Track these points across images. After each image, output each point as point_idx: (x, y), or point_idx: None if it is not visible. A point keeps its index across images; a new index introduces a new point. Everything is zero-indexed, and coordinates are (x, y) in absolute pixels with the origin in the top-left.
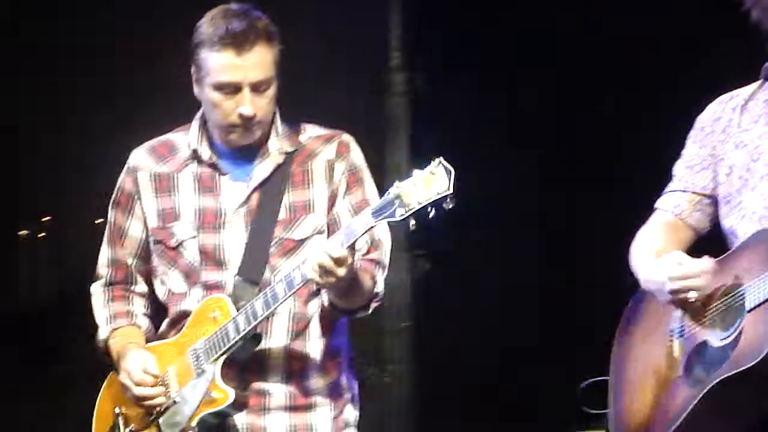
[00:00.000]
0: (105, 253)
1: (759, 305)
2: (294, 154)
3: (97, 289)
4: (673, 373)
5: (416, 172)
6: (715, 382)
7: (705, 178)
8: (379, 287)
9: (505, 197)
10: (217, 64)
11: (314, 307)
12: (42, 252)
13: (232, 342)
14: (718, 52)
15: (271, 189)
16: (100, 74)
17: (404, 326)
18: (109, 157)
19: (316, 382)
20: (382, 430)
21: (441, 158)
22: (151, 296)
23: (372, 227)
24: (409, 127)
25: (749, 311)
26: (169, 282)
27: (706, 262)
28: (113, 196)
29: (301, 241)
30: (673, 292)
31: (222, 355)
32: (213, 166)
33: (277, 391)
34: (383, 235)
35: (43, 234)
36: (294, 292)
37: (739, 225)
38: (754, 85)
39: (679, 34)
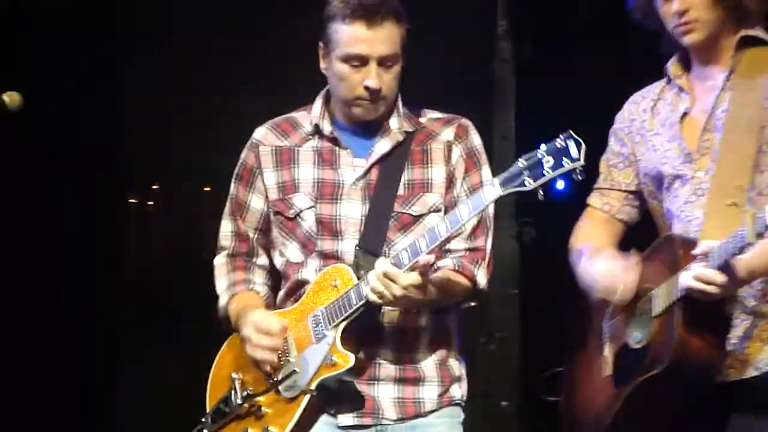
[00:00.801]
0: (228, 226)
1: (664, 311)
2: (414, 134)
3: (219, 261)
4: (604, 370)
5: (543, 145)
6: (631, 386)
7: (628, 175)
8: (480, 284)
9: None
10: (348, 35)
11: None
12: (152, 220)
13: (355, 308)
14: None
15: (391, 165)
16: (214, 51)
17: (511, 293)
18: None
19: (426, 357)
20: (489, 398)
21: (570, 131)
22: (272, 269)
23: (499, 197)
24: (515, 94)
25: (656, 317)
26: (287, 252)
27: (628, 269)
28: (236, 170)
29: (418, 217)
30: (601, 291)
31: (344, 320)
32: (334, 140)
33: (388, 362)
34: (487, 216)
35: (151, 203)
36: (416, 260)
37: (663, 225)
38: (662, 83)
39: None
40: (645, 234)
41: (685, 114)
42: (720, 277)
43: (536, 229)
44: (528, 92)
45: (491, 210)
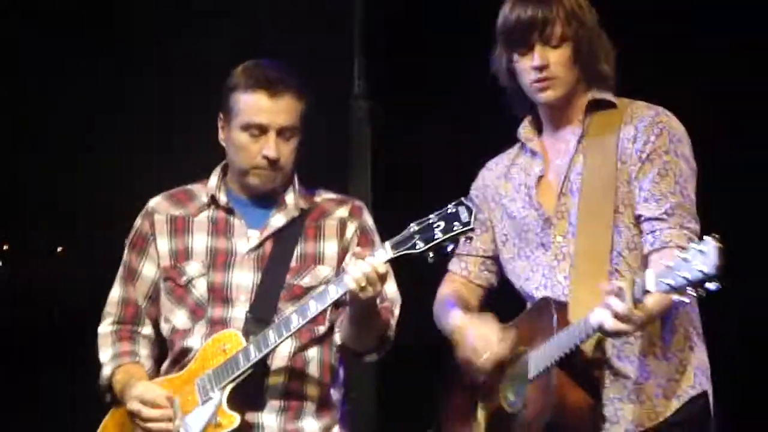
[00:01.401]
0: (116, 292)
1: (539, 374)
2: (308, 211)
3: (104, 330)
4: None
5: (435, 212)
6: None
7: (485, 241)
8: (391, 331)
9: None
10: (249, 104)
11: (314, 352)
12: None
13: (242, 369)
14: None
15: (285, 238)
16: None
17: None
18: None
19: (309, 423)
20: None
21: (463, 198)
22: (156, 341)
23: (391, 259)
24: (370, 154)
25: (531, 381)
26: (174, 319)
27: (495, 333)
28: (129, 237)
29: (308, 289)
30: (465, 360)
31: (230, 382)
32: (229, 210)
33: (271, 425)
34: (394, 293)
35: None
36: (306, 323)
37: (522, 288)
38: (515, 149)
39: None
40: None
41: (540, 178)
42: (633, 315)
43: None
44: (384, 152)
45: (394, 288)
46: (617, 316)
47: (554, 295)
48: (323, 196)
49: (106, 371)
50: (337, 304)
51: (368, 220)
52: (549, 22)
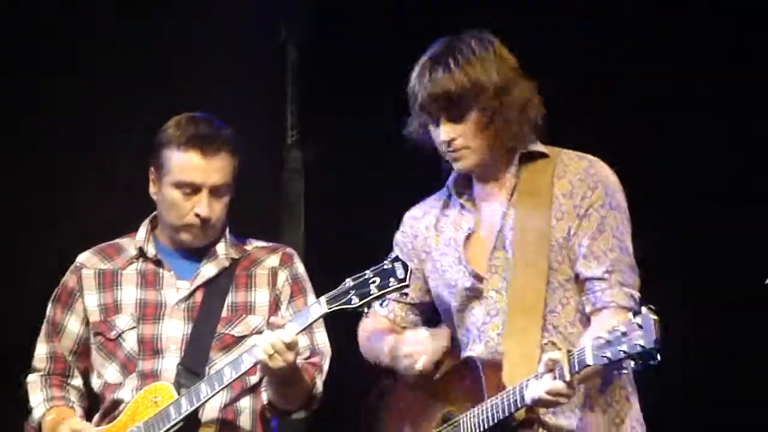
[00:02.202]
0: (43, 348)
1: None
2: (239, 260)
3: (34, 378)
4: None
5: (371, 267)
6: None
7: (414, 289)
8: (318, 389)
9: None
10: (181, 163)
11: (246, 402)
12: None
13: (173, 422)
14: None
15: (215, 289)
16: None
17: None
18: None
19: None
20: None
21: (397, 254)
22: (86, 394)
23: (325, 314)
24: (303, 204)
25: None
26: (105, 373)
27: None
28: (55, 292)
29: (240, 338)
30: (406, 355)
31: None
32: (158, 262)
33: None
34: (324, 345)
35: None
36: (240, 376)
37: (458, 338)
38: (443, 198)
39: None
40: None
41: (470, 234)
42: (569, 390)
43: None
44: (317, 202)
45: (325, 339)
46: (552, 392)
47: (487, 351)
48: (254, 245)
49: (38, 412)
50: None
51: (299, 268)
52: (451, 98)
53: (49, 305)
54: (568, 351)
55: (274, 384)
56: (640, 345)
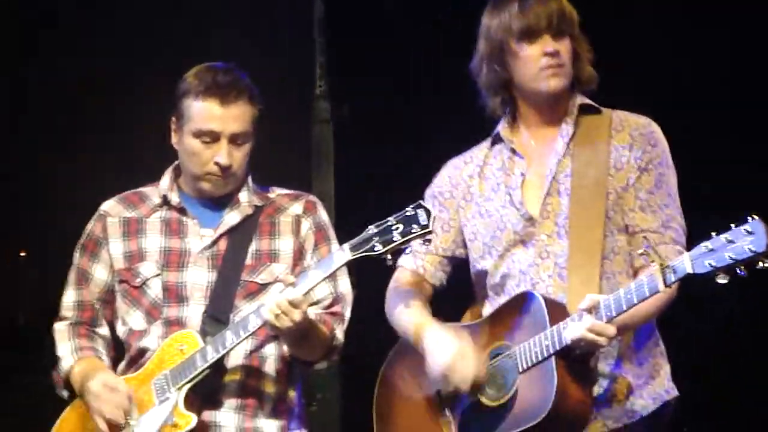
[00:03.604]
0: (70, 296)
1: (531, 367)
2: (262, 207)
3: (61, 327)
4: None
5: (394, 214)
6: None
7: (446, 240)
8: (338, 340)
9: None
10: (200, 111)
11: (271, 349)
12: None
13: (200, 370)
14: None
15: (239, 236)
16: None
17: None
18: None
19: (268, 423)
20: None
21: (420, 201)
22: (112, 342)
23: (349, 261)
24: (332, 154)
25: (522, 372)
26: (130, 321)
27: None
28: (81, 240)
29: (264, 286)
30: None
31: (188, 382)
32: (182, 210)
33: (228, 424)
34: (347, 291)
35: None
36: (262, 326)
37: (493, 285)
38: (484, 149)
39: None
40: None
41: (523, 178)
42: (611, 330)
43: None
44: (347, 153)
45: (348, 286)
46: (594, 330)
47: (538, 291)
48: (277, 193)
49: (66, 363)
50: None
51: (323, 215)
52: (559, 14)
53: (76, 253)
54: (661, 263)
55: (287, 341)
56: (750, 249)
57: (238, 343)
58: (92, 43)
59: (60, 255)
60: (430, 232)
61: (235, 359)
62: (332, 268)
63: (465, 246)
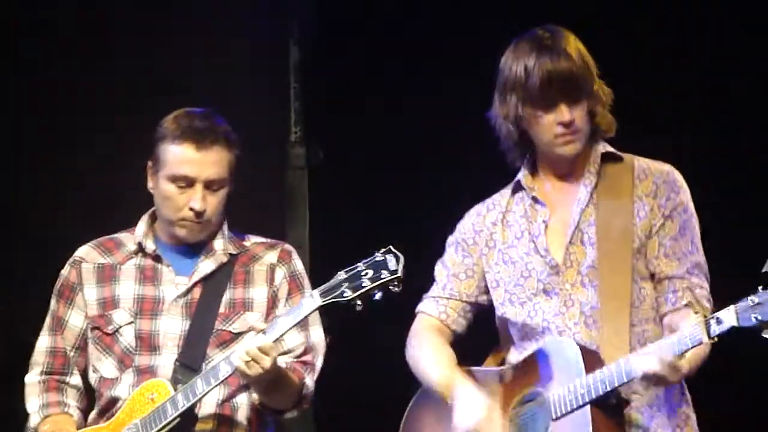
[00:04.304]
0: (44, 341)
1: (565, 414)
2: (237, 256)
3: (32, 379)
4: None
5: (363, 260)
6: None
7: (470, 286)
8: (308, 388)
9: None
10: (176, 156)
11: (243, 398)
12: None
13: (170, 418)
14: None
15: (214, 284)
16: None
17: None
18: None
19: None
20: None
21: (390, 246)
22: (85, 391)
23: (318, 308)
24: (307, 200)
25: (555, 420)
26: (101, 368)
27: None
28: (57, 286)
29: (237, 335)
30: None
31: (159, 431)
32: (157, 258)
33: None
34: (319, 340)
35: None
36: (232, 374)
37: (516, 333)
38: (506, 195)
39: None
40: None
41: (545, 226)
42: (684, 366)
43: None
44: (322, 200)
45: (320, 335)
46: (666, 363)
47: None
48: (252, 241)
49: (34, 420)
50: None
51: (298, 265)
52: (575, 77)
53: (53, 299)
54: (704, 315)
55: (257, 388)
56: None
57: (209, 391)
58: (70, 86)
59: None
60: (399, 278)
61: (207, 408)
62: (302, 314)
63: (487, 292)
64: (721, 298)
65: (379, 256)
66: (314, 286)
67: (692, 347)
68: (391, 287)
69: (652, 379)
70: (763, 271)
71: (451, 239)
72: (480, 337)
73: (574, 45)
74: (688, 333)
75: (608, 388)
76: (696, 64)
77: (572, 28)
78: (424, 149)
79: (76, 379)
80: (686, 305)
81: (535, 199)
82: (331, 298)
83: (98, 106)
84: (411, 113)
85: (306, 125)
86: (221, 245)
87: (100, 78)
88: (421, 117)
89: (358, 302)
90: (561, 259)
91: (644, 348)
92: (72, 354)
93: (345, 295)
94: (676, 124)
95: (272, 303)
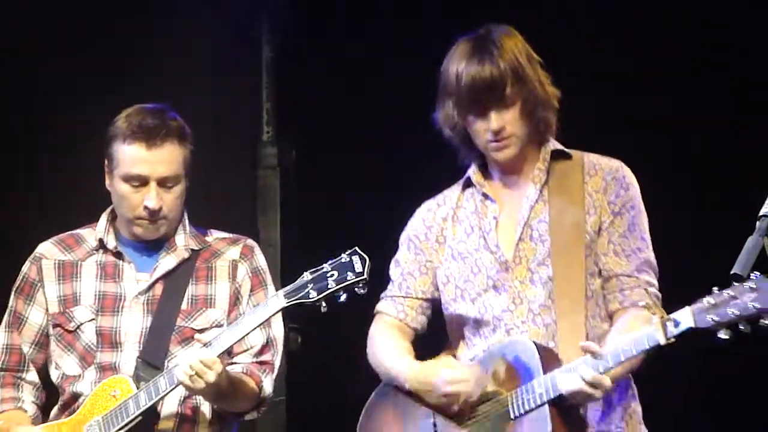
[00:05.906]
0: (1, 339)
1: (524, 414)
2: (199, 251)
3: None
4: None
5: (329, 261)
6: None
7: (425, 283)
8: (266, 391)
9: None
10: (127, 156)
11: None
12: None
13: (132, 417)
14: None
15: (175, 281)
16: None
17: (277, 400)
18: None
19: None
20: None
21: (356, 247)
22: (42, 386)
23: (283, 308)
24: (279, 199)
25: (514, 419)
26: (63, 365)
27: (473, 369)
28: (17, 283)
29: (199, 331)
30: (447, 394)
31: (120, 429)
32: (118, 254)
33: None
34: (279, 332)
35: None
36: (175, 387)
37: (467, 330)
38: (457, 191)
39: None
40: None
41: (496, 222)
42: (608, 382)
43: (302, 335)
44: (293, 199)
45: (281, 331)
46: (592, 382)
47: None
48: (214, 236)
49: None
50: (229, 352)
51: (260, 260)
52: (501, 84)
53: (12, 295)
54: (662, 316)
55: (205, 398)
56: (755, 306)
57: (172, 389)
58: (38, 81)
59: None
60: (365, 280)
61: (169, 406)
62: (267, 315)
63: None
64: (674, 296)
65: (344, 258)
66: (286, 285)
67: (650, 348)
68: (356, 289)
69: (576, 397)
70: (732, 273)
71: (403, 236)
72: (434, 336)
73: (509, 47)
74: (646, 334)
75: (552, 396)
76: (653, 63)
77: (534, 27)
78: (396, 149)
79: (32, 376)
80: (644, 306)
81: (485, 196)
82: (296, 299)
83: (59, 102)
84: (383, 113)
85: (278, 125)
86: (183, 241)
87: (62, 74)
88: (393, 117)
89: (323, 304)
90: (511, 255)
91: (604, 346)
92: (30, 350)
93: (310, 296)
94: (630, 123)
95: (235, 299)
